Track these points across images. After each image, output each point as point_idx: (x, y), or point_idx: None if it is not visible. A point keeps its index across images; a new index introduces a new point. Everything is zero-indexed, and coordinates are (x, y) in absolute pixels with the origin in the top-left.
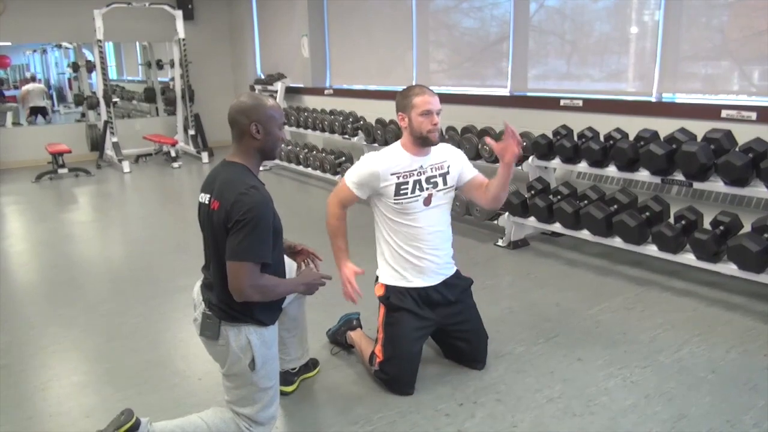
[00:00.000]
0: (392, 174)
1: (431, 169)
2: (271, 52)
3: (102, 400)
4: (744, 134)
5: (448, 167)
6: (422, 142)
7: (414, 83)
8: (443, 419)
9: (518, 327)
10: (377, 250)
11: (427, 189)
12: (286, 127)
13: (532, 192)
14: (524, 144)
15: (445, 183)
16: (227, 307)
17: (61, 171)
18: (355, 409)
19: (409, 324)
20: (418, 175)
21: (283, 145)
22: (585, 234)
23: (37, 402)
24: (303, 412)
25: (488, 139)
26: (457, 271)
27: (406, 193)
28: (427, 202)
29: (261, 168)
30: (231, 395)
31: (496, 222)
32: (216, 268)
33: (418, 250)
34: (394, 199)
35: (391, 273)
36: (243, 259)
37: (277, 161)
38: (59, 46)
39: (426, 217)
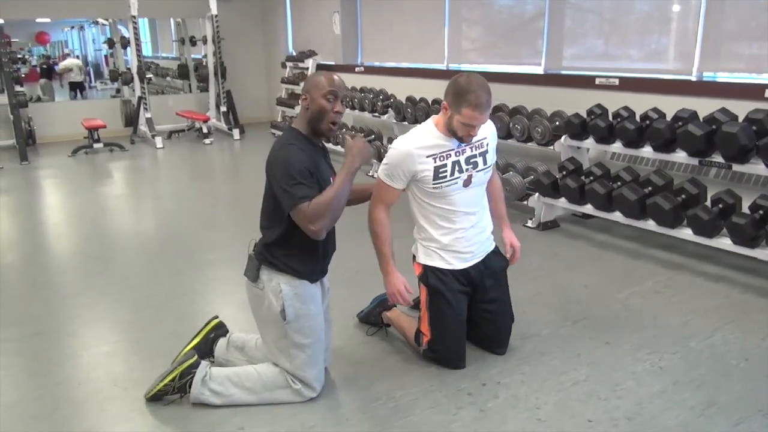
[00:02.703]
0: (428, 156)
1: (470, 148)
2: (303, 28)
3: (129, 370)
4: None
5: (487, 145)
6: (453, 135)
7: (446, 61)
8: (465, 398)
9: (545, 309)
10: (415, 228)
11: (467, 170)
12: None
13: (564, 172)
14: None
15: (485, 162)
16: (267, 253)
17: (96, 146)
18: (378, 386)
19: (453, 301)
20: (456, 155)
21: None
22: (617, 216)
23: (66, 369)
24: (325, 387)
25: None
26: (495, 246)
27: (446, 176)
28: (467, 183)
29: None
30: (271, 351)
31: (525, 202)
32: (263, 216)
33: (456, 232)
34: (433, 184)
35: (429, 254)
36: (291, 208)
37: None
38: (96, 23)
39: (463, 198)
